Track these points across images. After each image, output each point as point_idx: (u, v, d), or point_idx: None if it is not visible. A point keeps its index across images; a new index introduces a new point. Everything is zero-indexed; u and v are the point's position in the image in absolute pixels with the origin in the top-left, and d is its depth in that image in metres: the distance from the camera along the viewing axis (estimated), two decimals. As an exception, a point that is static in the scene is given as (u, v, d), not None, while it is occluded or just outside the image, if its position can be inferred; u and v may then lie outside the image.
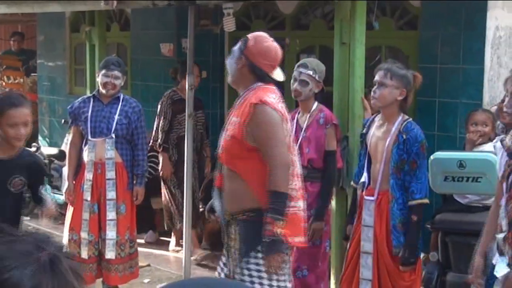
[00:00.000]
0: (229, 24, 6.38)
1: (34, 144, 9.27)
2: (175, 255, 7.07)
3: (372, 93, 4.48)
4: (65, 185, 5.76)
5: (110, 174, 5.53)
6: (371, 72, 5.29)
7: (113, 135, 5.54)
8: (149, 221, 7.64)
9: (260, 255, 3.79)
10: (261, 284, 3.81)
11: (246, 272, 3.84)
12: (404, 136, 4.30)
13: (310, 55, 6.94)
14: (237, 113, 3.85)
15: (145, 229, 7.53)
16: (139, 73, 8.70)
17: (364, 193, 4.51)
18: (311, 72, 4.93)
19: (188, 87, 6.16)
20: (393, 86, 4.34)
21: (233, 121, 3.86)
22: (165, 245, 7.44)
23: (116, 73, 5.59)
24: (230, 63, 3.92)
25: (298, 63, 5.19)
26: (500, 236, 3.66)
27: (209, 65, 8.20)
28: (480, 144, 5.22)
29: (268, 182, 3.67)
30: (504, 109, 3.75)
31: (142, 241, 7.30)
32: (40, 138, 10.43)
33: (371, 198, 4.44)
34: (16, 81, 12.12)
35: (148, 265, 6.78)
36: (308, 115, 5.02)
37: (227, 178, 3.93)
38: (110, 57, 6.25)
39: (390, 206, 4.36)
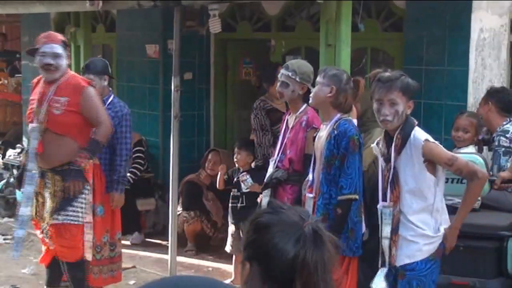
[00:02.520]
0: (215, 26, 6.37)
1: (18, 145, 9.23)
2: (161, 256, 7.02)
3: None
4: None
5: None
6: (357, 74, 5.32)
7: None
8: (135, 223, 7.62)
9: None
10: None
11: None
12: (335, 132, 4.42)
13: (296, 57, 6.94)
14: None
15: (131, 230, 7.50)
16: (124, 74, 8.67)
17: (306, 190, 4.62)
18: (290, 74, 4.93)
19: (174, 88, 6.14)
20: (323, 84, 4.52)
21: None
22: (150, 247, 7.42)
23: (89, 76, 5.55)
24: None
25: (283, 65, 5.20)
26: (386, 243, 3.95)
27: (194, 66, 8.20)
28: (461, 147, 5.28)
29: None
30: (381, 118, 3.96)
31: (127, 242, 7.28)
32: (24, 139, 10.37)
33: (311, 195, 4.55)
34: (0, 82, 12.06)
35: (134, 267, 6.76)
36: (294, 117, 5.03)
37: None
38: (91, 59, 6.21)
39: (316, 200, 4.46)
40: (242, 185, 6.09)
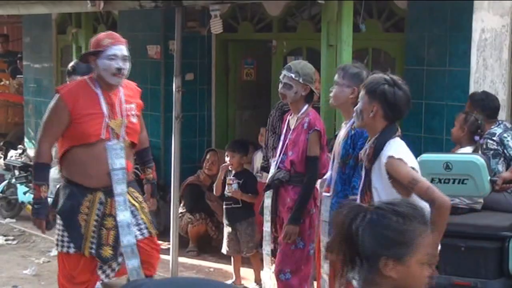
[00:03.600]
0: (216, 26, 6.37)
1: (20, 146, 9.24)
2: (162, 256, 6.99)
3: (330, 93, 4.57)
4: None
5: None
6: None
7: None
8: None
9: None
10: None
11: None
12: (353, 132, 4.35)
13: (297, 58, 6.94)
14: None
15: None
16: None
17: (324, 190, 4.57)
18: (293, 75, 4.91)
19: (175, 89, 6.15)
20: (344, 85, 4.42)
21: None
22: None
23: (76, 77, 5.47)
24: None
25: (285, 66, 5.19)
26: None
27: (196, 67, 8.20)
28: (463, 147, 5.30)
29: None
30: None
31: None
32: (26, 140, 10.38)
33: (328, 194, 4.49)
34: (2, 83, 12.07)
35: (135, 268, 6.74)
36: (296, 118, 5.02)
37: None
38: (75, 62, 6.00)
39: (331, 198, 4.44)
40: (227, 187, 6.08)
